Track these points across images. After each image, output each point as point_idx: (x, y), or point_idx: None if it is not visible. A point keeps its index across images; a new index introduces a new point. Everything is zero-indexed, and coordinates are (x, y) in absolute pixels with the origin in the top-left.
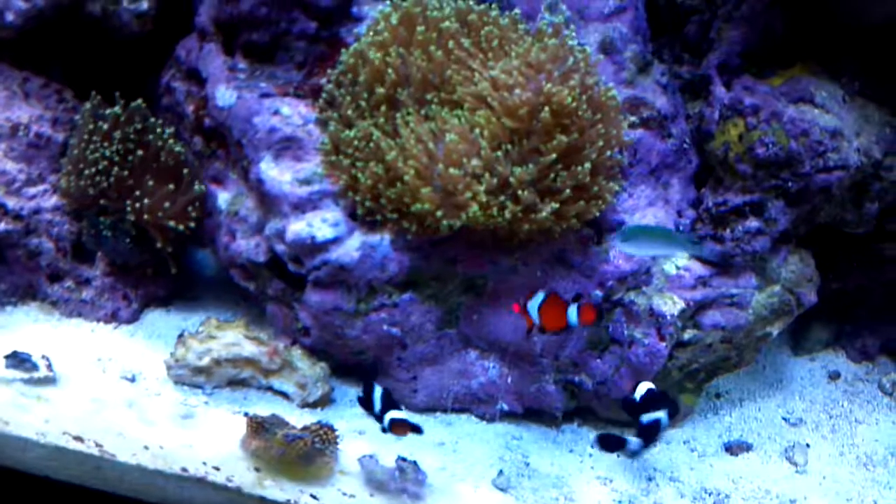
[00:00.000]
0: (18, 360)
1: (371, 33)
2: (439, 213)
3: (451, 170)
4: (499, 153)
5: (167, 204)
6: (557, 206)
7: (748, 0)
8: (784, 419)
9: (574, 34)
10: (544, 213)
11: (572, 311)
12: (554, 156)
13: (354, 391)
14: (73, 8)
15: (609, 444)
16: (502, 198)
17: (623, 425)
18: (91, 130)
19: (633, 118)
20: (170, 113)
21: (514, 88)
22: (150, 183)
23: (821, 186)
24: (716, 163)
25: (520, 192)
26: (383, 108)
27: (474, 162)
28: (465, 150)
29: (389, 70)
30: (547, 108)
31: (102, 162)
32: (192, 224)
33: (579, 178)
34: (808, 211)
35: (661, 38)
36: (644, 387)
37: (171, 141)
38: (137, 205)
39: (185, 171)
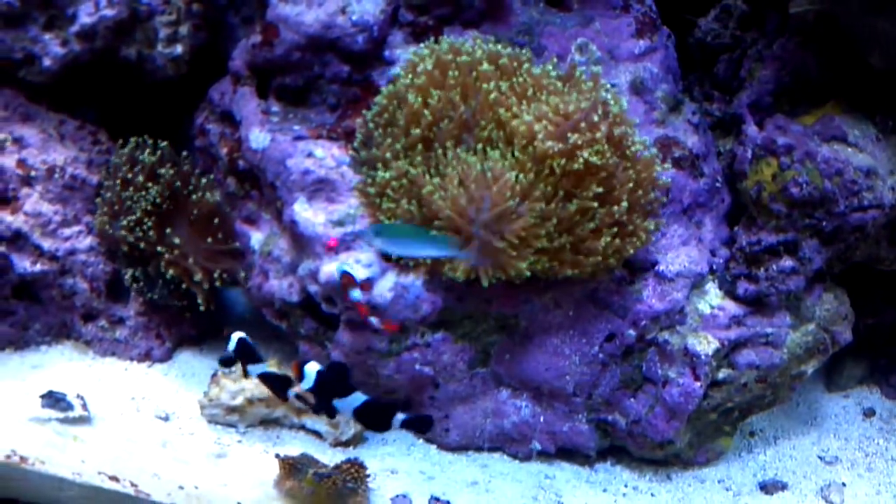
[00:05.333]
0: (54, 399)
1: (408, 76)
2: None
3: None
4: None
5: (201, 247)
6: (598, 258)
7: (780, 40)
8: (819, 457)
9: (602, 76)
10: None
11: None
12: (595, 204)
13: None
14: (108, 52)
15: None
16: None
17: (659, 464)
18: (126, 179)
19: (664, 159)
20: (203, 154)
21: (547, 139)
22: (184, 229)
23: (855, 226)
24: (749, 202)
25: (556, 238)
26: (419, 147)
27: (521, 207)
28: (511, 192)
29: (426, 111)
30: (577, 162)
31: (138, 210)
32: (226, 275)
33: (616, 217)
34: (842, 250)
35: (691, 76)
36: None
37: (206, 192)
38: (172, 249)
39: (217, 218)
